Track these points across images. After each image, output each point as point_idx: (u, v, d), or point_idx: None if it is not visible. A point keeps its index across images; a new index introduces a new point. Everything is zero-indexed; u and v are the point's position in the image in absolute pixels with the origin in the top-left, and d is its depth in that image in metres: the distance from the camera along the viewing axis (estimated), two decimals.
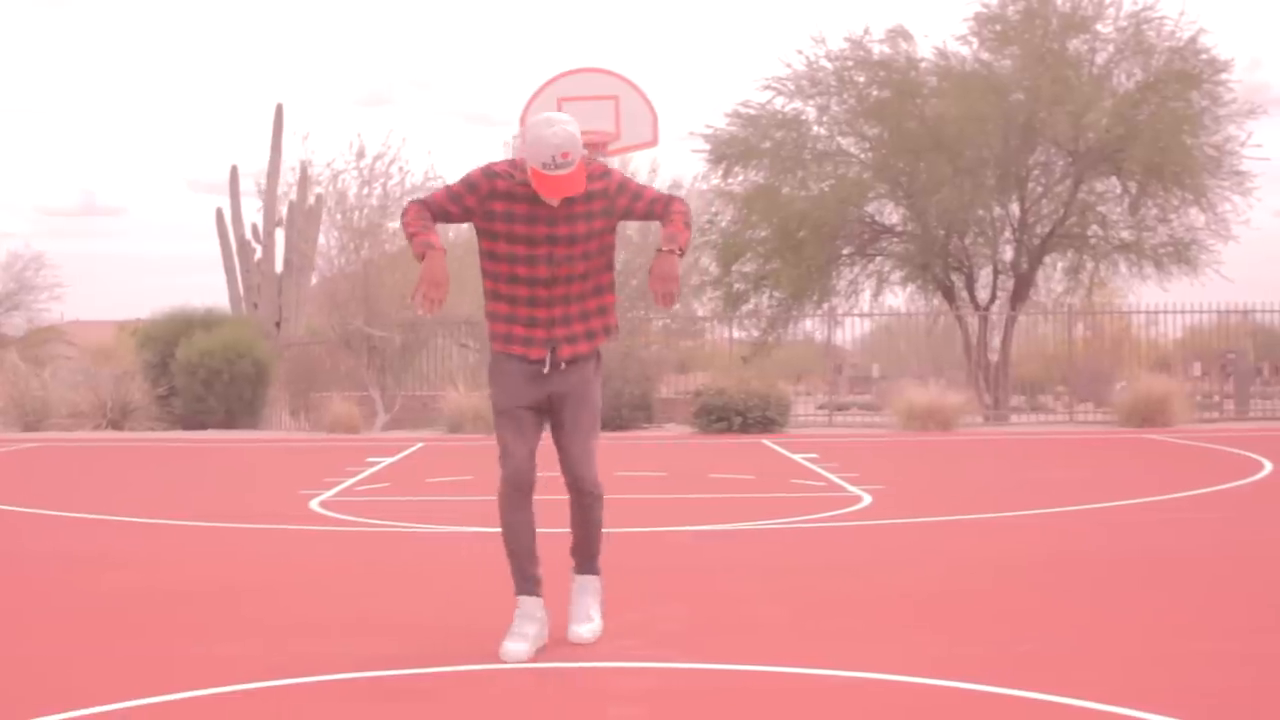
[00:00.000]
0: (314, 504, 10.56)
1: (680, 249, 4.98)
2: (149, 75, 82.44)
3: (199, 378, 21.34)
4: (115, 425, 21.48)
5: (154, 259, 78.26)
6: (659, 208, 5.15)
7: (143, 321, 37.28)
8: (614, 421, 19.74)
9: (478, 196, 4.99)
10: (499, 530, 5.15)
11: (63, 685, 4.75)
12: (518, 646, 4.97)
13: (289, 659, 5.05)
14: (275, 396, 23.46)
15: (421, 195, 5.37)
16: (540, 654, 5.03)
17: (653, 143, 18.07)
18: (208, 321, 22.69)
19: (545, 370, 5.06)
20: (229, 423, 21.42)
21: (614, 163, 25.40)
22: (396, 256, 22.80)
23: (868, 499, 10.64)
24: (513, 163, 5.06)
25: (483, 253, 5.08)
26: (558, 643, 5.17)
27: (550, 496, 5.37)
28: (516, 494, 5.10)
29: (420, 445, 17.90)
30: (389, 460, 15.12)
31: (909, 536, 8.79)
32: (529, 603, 5.12)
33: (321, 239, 24.66)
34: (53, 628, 5.85)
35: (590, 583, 5.33)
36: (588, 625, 5.22)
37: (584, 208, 4.98)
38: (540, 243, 4.97)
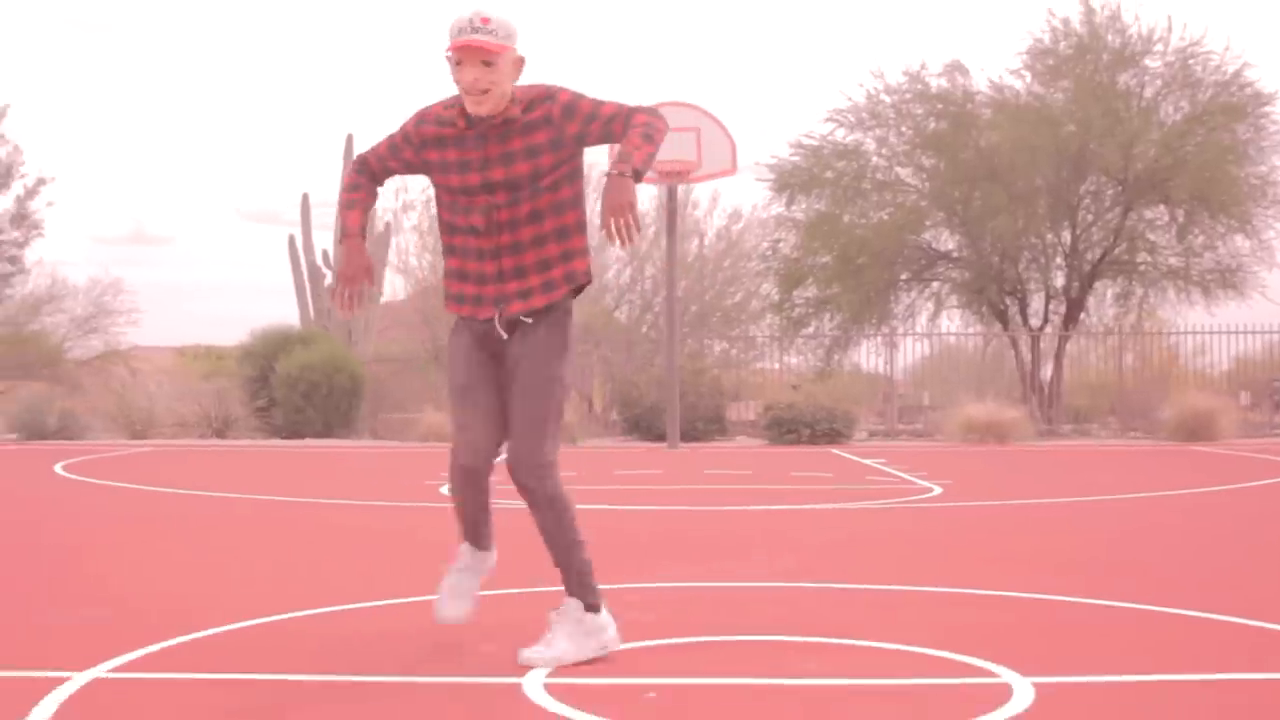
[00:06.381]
0: (444, 489, 11.85)
1: (635, 169, 4.12)
2: (198, 105, 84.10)
3: (299, 390, 22.68)
4: (219, 434, 22.89)
5: (205, 287, 79.62)
6: (618, 126, 4.31)
7: (204, 346, 39.00)
8: (689, 434, 21.02)
9: (413, 148, 4.48)
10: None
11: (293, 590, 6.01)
12: (454, 612, 4.65)
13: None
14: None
15: (368, 149, 4.67)
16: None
17: (731, 171, 19.28)
18: (305, 338, 24.07)
19: (502, 335, 4.42)
20: (326, 433, 22.75)
21: (696, 190, 26.64)
22: None
23: (938, 489, 11.86)
24: (446, 102, 4.45)
25: (435, 203, 4.56)
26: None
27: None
28: (467, 482, 4.57)
29: None
30: None
31: (985, 514, 10.01)
32: (468, 552, 4.76)
33: (413, 260, 25.98)
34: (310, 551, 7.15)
35: (568, 607, 4.49)
36: (534, 647, 4.40)
37: (522, 143, 4.32)
38: (476, 191, 4.37)
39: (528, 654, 4.34)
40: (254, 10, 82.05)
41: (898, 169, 27.77)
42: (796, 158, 27.50)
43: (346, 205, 4.55)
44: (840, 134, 27.45)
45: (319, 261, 27.75)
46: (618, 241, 4.11)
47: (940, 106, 26.91)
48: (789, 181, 27.43)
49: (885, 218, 27.11)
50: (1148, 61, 26.33)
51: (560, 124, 4.31)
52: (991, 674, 4.18)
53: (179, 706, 3.90)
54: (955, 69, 27.11)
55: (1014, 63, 27.48)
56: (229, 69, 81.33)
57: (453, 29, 4.22)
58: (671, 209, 20.21)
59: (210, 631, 4.94)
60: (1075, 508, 10.44)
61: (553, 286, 4.40)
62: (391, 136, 4.54)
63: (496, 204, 4.35)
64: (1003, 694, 3.90)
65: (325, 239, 28.13)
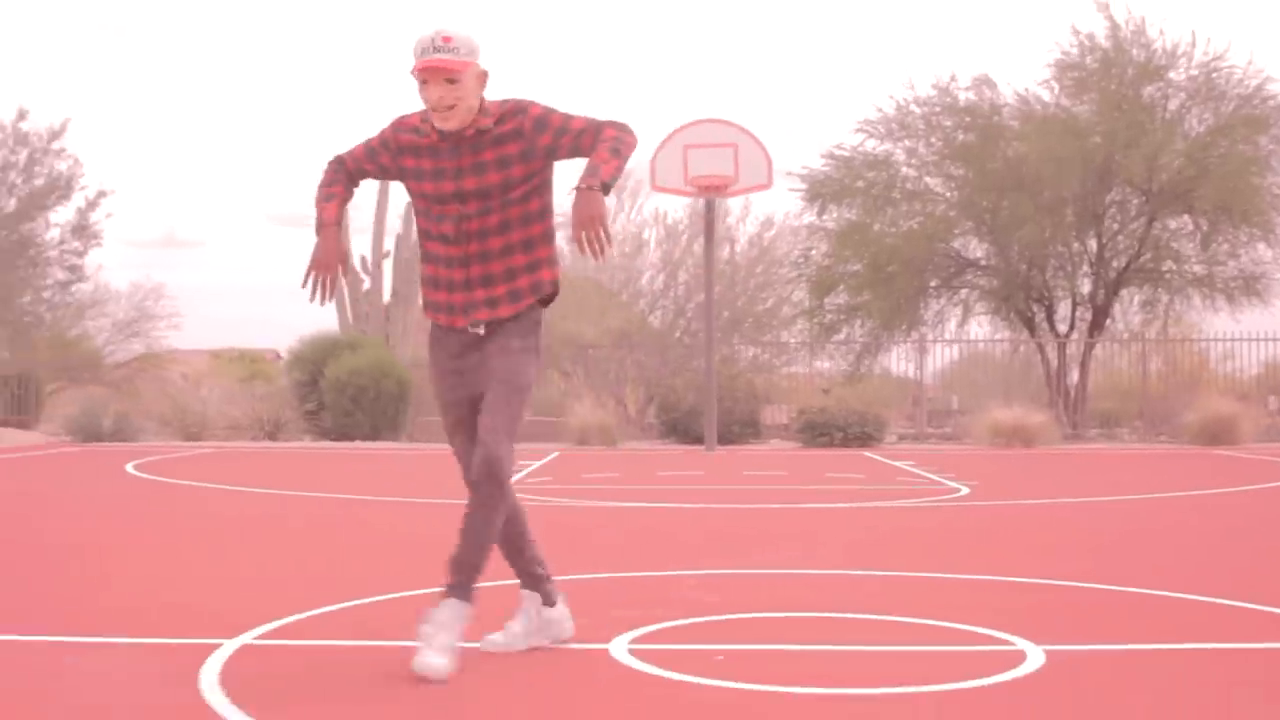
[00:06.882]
0: None
1: (604, 183, 4.23)
2: (229, 109, 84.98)
3: (347, 395, 23.49)
4: (270, 437, 23.74)
5: (236, 290, 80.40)
6: (587, 140, 4.42)
7: (238, 349, 40.03)
8: (724, 436, 21.76)
9: (390, 154, 4.63)
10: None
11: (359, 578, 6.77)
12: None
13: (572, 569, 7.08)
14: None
15: (345, 151, 4.78)
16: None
17: (768, 186, 20.04)
18: (353, 344, 24.90)
19: (469, 342, 4.58)
20: (373, 436, 23.55)
21: (732, 203, 27.35)
22: None
23: (966, 490, 12.58)
24: (422, 113, 4.57)
25: (412, 211, 4.74)
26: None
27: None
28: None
29: (556, 454, 19.89)
30: (537, 463, 17.19)
31: (1009, 512, 10.72)
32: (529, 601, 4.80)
33: None
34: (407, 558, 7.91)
35: (452, 607, 4.42)
36: (428, 655, 4.33)
37: (494, 154, 4.47)
38: (449, 200, 4.52)
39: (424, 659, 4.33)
40: (284, 16, 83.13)
41: (927, 179, 28.46)
42: (828, 168, 28.23)
43: (325, 198, 4.63)
44: (870, 144, 28.19)
45: (356, 266, 28.58)
46: (588, 254, 4.21)
47: (968, 119, 27.57)
48: (820, 191, 28.12)
49: (915, 226, 27.77)
50: (1172, 75, 26.90)
51: (531, 136, 4.44)
52: (1007, 643, 4.89)
53: (317, 666, 4.62)
54: (983, 83, 27.80)
55: (1041, 75, 28.15)
56: (258, 73, 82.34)
57: (416, 49, 4.36)
58: (710, 221, 20.97)
59: (332, 607, 5.69)
60: (1094, 506, 11.13)
61: (519, 296, 4.52)
62: (369, 141, 4.68)
63: (467, 213, 4.49)
64: (1016, 659, 4.61)
65: (362, 244, 28.96)
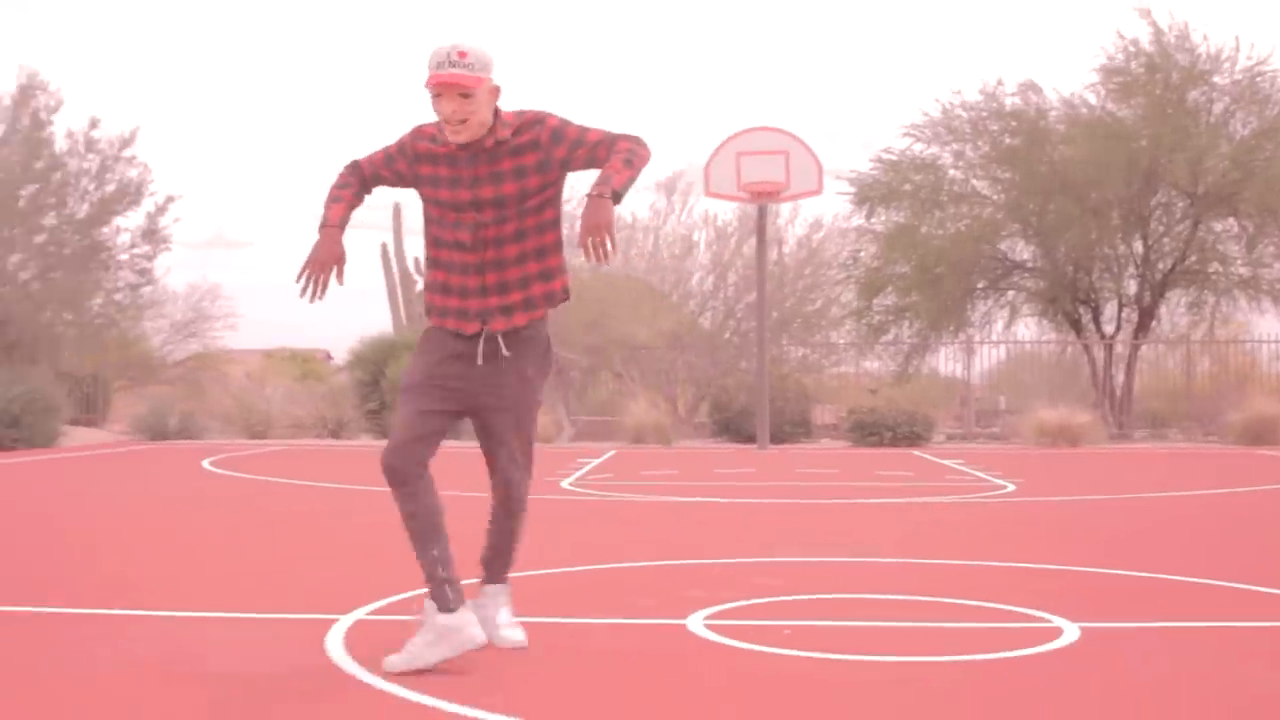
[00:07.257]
0: (564, 484, 13.23)
1: (614, 191, 4.28)
2: (279, 109, 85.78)
3: None
4: (334, 435, 24.42)
5: (284, 290, 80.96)
6: (602, 152, 4.48)
7: (289, 349, 40.73)
8: (775, 436, 22.29)
9: (407, 160, 4.68)
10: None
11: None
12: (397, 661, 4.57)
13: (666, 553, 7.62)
14: None
15: (363, 156, 4.82)
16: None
17: (818, 192, 20.57)
18: (411, 345, 25.52)
19: (480, 358, 4.62)
20: None
21: (781, 205, 27.82)
22: (589, 282, 25.43)
23: (1012, 487, 13.07)
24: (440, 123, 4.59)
25: (424, 218, 4.77)
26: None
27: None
28: (397, 485, 4.58)
29: (613, 453, 20.45)
30: (596, 460, 17.77)
31: (1051, 507, 11.21)
32: (443, 619, 4.55)
33: None
34: None
35: (503, 590, 5.04)
36: (520, 631, 4.94)
37: (512, 163, 4.54)
38: (465, 207, 4.57)
39: (515, 636, 4.91)
40: (339, 14, 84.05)
41: (974, 181, 28.82)
42: (876, 171, 28.67)
43: (333, 199, 4.68)
44: (918, 148, 28.60)
45: (410, 268, 29.18)
46: (593, 259, 4.28)
47: (1015, 124, 27.92)
48: (869, 194, 28.58)
49: (962, 229, 28.16)
50: (1216, 79, 27.16)
51: (548, 148, 4.51)
52: (1046, 620, 5.42)
53: None
54: (1029, 88, 28.16)
55: (1087, 79, 28.48)
56: (304, 74, 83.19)
57: (431, 61, 4.41)
58: (761, 225, 21.51)
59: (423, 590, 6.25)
60: (1131, 502, 11.60)
61: (533, 305, 4.60)
62: (387, 148, 4.73)
63: (484, 221, 4.54)
64: (1055, 634, 5.14)
65: (416, 246, 29.61)
